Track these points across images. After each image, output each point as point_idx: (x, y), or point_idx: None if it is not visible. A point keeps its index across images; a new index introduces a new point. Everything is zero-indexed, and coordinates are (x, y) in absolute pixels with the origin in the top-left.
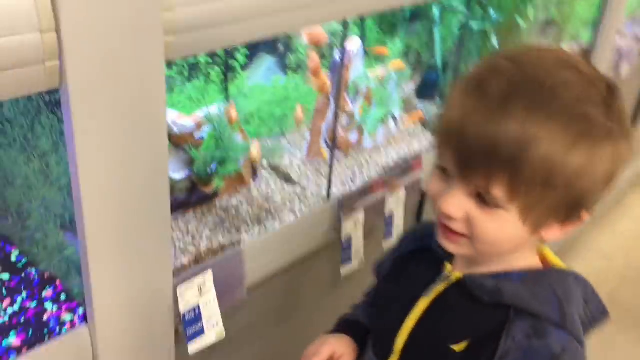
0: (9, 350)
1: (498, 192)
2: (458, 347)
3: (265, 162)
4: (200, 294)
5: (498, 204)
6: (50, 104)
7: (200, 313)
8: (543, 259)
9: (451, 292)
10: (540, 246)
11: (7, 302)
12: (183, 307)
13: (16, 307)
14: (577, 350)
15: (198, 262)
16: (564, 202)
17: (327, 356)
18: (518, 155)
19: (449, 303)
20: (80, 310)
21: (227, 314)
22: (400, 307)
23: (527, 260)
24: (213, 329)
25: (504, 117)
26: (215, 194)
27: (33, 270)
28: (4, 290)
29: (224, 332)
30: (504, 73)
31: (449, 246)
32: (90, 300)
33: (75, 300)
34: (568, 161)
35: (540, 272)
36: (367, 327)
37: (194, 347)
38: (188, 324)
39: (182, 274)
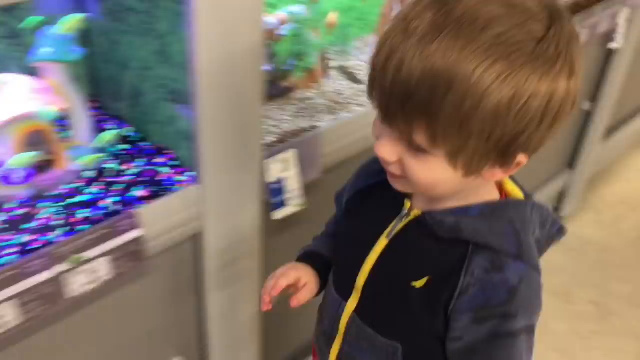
0: (138, 199)
1: (419, 138)
2: (418, 284)
3: (334, 64)
4: (284, 169)
5: (424, 149)
6: None
7: (284, 185)
8: (502, 191)
9: (411, 229)
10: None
11: (129, 165)
12: (270, 179)
13: (137, 170)
14: (534, 278)
15: (282, 143)
16: (490, 146)
17: (294, 280)
18: (430, 99)
19: (409, 240)
20: (189, 174)
21: (306, 190)
22: (360, 245)
23: (487, 195)
24: (294, 200)
25: (420, 60)
26: (291, 88)
27: (148, 144)
28: (124, 158)
29: (304, 204)
30: (427, 13)
31: (395, 185)
32: (199, 164)
33: (185, 167)
34: (483, 104)
35: (498, 205)
36: (328, 259)
37: (277, 214)
38: (273, 194)
39: (269, 150)
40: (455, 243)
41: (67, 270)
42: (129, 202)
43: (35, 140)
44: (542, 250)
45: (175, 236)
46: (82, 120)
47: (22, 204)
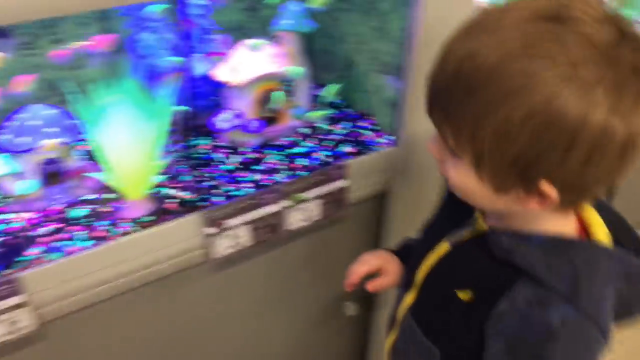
0: (346, 154)
1: (447, 137)
2: (463, 295)
3: None
4: None
5: (454, 151)
6: None
7: None
8: (583, 227)
9: (473, 241)
10: (585, 213)
11: (336, 127)
12: None
13: (343, 131)
14: (585, 330)
15: None
16: (507, 161)
17: (375, 267)
18: (454, 98)
19: (466, 251)
20: (388, 138)
21: None
22: (429, 242)
23: (554, 226)
24: None
25: (454, 59)
26: None
27: (351, 110)
28: (332, 121)
29: None
30: (480, 22)
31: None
32: (399, 130)
33: (384, 131)
34: (497, 112)
35: (564, 242)
36: None
37: None
38: None
39: None
40: (508, 266)
41: (289, 207)
42: (338, 156)
43: (267, 97)
44: (632, 310)
45: (370, 191)
46: (304, 85)
47: (254, 150)
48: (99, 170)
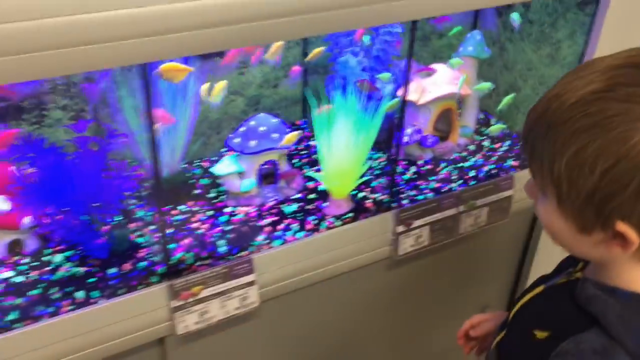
0: (511, 167)
1: (535, 173)
2: (540, 335)
3: None
4: None
5: (542, 188)
6: (582, 3)
7: None
8: None
9: (564, 285)
10: None
11: (499, 145)
12: None
13: (505, 148)
14: None
15: None
16: (583, 198)
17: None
18: (537, 136)
19: (555, 293)
20: None
21: None
22: (532, 287)
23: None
24: None
25: (544, 102)
26: None
27: (512, 131)
28: (495, 140)
29: None
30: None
31: None
32: None
33: None
34: (566, 148)
35: None
36: None
37: None
38: None
39: None
40: (587, 314)
41: (463, 212)
42: (504, 169)
43: (444, 117)
44: None
45: (529, 203)
46: (473, 106)
47: (426, 162)
48: (309, 172)
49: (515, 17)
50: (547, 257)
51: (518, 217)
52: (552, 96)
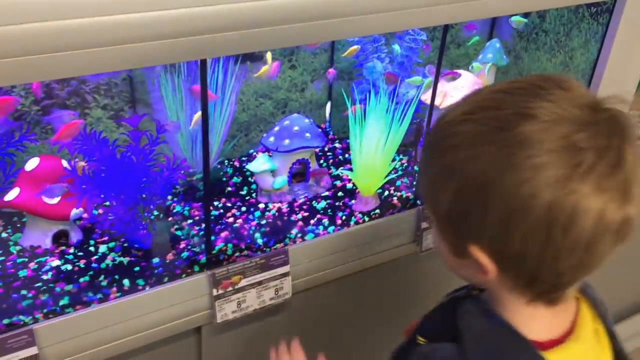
0: None
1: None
2: (421, 340)
3: None
4: None
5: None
6: (596, 14)
7: None
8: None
9: (460, 300)
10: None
11: None
12: None
13: None
14: None
15: None
16: (441, 216)
17: None
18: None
19: (450, 306)
20: None
21: None
22: (447, 294)
23: (521, 318)
24: None
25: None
26: None
27: None
28: None
29: None
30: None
31: None
32: None
33: None
34: (430, 168)
35: (509, 330)
36: None
37: None
38: None
39: None
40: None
41: None
42: None
43: None
44: None
45: None
46: None
47: None
48: (340, 170)
49: (514, 20)
50: None
51: None
52: (439, 116)
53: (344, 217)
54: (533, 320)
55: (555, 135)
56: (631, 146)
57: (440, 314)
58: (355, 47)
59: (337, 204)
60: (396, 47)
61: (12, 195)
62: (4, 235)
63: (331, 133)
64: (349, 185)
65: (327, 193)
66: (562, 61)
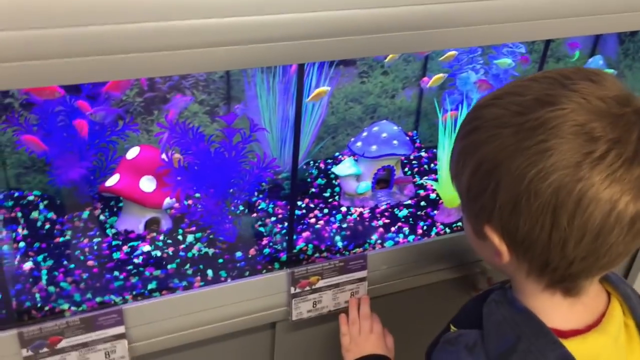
0: None
1: None
2: (453, 329)
3: None
4: None
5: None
6: None
7: None
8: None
9: (491, 290)
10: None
11: None
12: None
13: None
14: None
15: None
16: (463, 196)
17: None
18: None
19: (483, 298)
20: None
21: None
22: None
23: (543, 307)
24: None
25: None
26: None
27: None
28: None
29: None
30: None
31: None
32: None
33: None
34: (456, 145)
35: (529, 317)
36: None
37: None
38: None
39: None
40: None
41: None
42: None
43: None
44: None
45: None
46: None
47: None
48: (426, 180)
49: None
50: None
51: None
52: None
53: (425, 227)
54: (551, 308)
55: (571, 123)
56: None
57: (472, 305)
58: (453, 52)
59: (419, 213)
60: (472, 74)
61: (112, 181)
62: (101, 217)
63: (418, 141)
64: (433, 196)
65: (409, 202)
66: None
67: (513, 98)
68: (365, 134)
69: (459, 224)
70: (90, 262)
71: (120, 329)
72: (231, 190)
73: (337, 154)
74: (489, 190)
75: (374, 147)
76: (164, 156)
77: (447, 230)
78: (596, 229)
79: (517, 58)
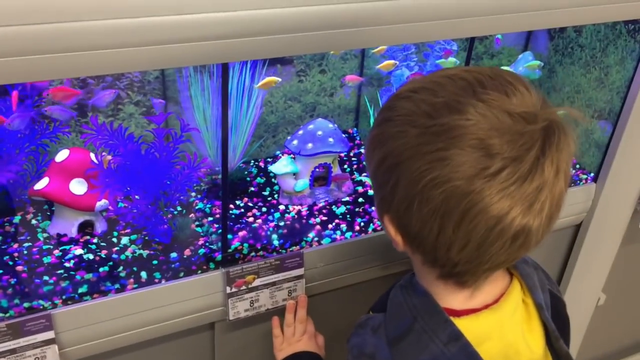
0: None
1: None
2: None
3: None
4: None
5: None
6: (633, 31)
7: None
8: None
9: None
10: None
11: None
12: None
13: None
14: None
15: None
16: (373, 184)
17: None
18: None
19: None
20: (589, 175)
21: None
22: None
23: (442, 291)
24: None
25: None
26: None
27: None
28: None
29: None
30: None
31: None
32: (604, 168)
33: (585, 169)
34: (369, 135)
35: (426, 299)
36: None
37: None
38: None
39: None
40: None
41: None
42: None
43: None
44: None
45: (566, 222)
46: None
47: None
48: (362, 177)
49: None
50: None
51: (560, 233)
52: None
53: (362, 224)
54: (446, 293)
55: (471, 136)
56: (553, 161)
57: (387, 291)
58: (392, 61)
59: (357, 209)
60: (405, 71)
61: (42, 184)
62: (33, 222)
63: (358, 139)
64: (371, 192)
65: (348, 198)
66: (597, 77)
67: (426, 96)
68: (301, 132)
69: None
70: (19, 268)
71: (49, 334)
72: (163, 191)
73: (277, 152)
74: (390, 185)
75: (309, 145)
76: (93, 157)
77: None
78: (479, 239)
79: (441, 54)
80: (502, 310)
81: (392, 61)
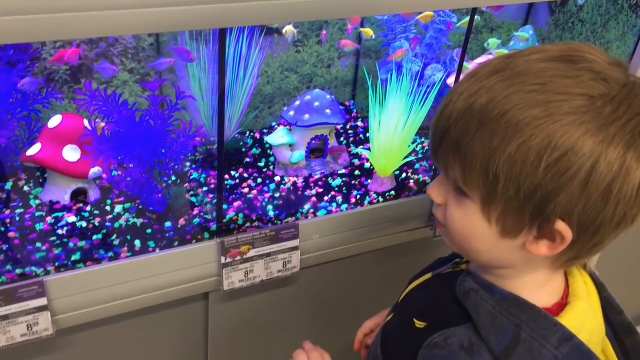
0: None
1: (456, 174)
2: (419, 324)
3: None
4: None
5: (464, 192)
6: (635, 6)
7: None
8: (564, 298)
9: (450, 277)
10: (574, 283)
11: None
12: None
13: None
14: None
15: None
16: (522, 199)
17: (369, 330)
18: (464, 134)
19: (439, 284)
20: None
21: None
22: (424, 271)
23: (527, 287)
24: None
25: (465, 98)
26: None
27: None
28: None
29: None
30: (493, 61)
31: (443, 237)
32: None
33: None
34: (512, 145)
35: (519, 303)
36: None
37: None
38: None
39: None
40: (462, 308)
41: None
42: None
43: None
44: None
45: None
46: None
47: None
48: (359, 149)
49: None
50: None
51: None
52: (475, 92)
53: (358, 197)
54: (532, 285)
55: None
56: None
57: (428, 294)
58: (404, 50)
59: (353, 182)
60: (405, 43)
61: (34, 150)
62: (25, 189)
63: (355, 111)
64: (367, 165)
65: (344, 171)
66: None
67: (569, 82)
68: (298, 103)
69: (392, 193)
70: (11, 234)
71: (42, 301)
72: (158, 159)
73: (273, 124)
74: (577, 182)
75: (306, 116)
76: (86, 124)
77: (380, 199)
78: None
79: (450, 28)
80: (581, 297)
81: (405, 50)
